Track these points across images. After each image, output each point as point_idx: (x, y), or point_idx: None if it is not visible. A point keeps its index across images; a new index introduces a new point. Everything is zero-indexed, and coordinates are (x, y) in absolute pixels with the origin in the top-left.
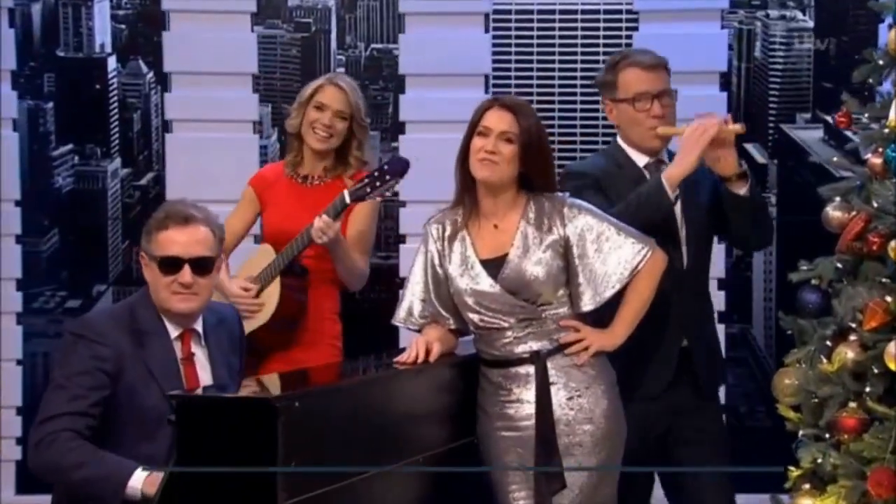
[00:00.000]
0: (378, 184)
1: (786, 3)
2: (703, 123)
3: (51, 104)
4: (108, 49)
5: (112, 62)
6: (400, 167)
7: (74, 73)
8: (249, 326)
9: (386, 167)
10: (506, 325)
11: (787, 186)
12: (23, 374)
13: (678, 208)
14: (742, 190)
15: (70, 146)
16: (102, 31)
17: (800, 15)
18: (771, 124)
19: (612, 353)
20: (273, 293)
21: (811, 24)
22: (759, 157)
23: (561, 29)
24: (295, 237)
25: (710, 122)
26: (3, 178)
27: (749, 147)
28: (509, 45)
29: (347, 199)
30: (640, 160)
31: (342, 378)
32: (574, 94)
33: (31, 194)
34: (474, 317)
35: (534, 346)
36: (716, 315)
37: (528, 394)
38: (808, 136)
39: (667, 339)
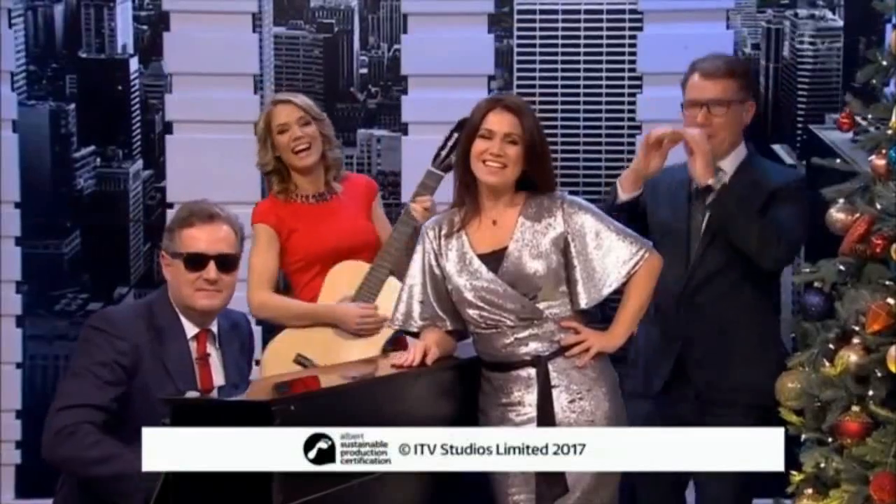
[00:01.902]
0: (452, 147)
1: (815, 2)
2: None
3: (73, 106)
4: (130, 50)
5: (134, 63)
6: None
7: (96, 74)
8: (385, 337)
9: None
10: (508, 322)
11: (817, 188)
12: (43, 377)
13: (701, 210)
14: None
15: (92, 148)
16: (124, 32)
17: (829, 14)
18: (799, 125)
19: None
20: (390, 299)
21: (840, 23)
22: (788, 158)
23: (586, 30)
24: (388, 241)
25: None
26: (3, 179)
27: (777, 148)
28: (534, 45)
29: (441, 173)
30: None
31: (340, 381)
32: (599, 94)
33: (53, 196)
34: (474, 313)
35: (535, 348)
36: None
37: (530, 396)
38: (838, 136)
39: (665, 342)
